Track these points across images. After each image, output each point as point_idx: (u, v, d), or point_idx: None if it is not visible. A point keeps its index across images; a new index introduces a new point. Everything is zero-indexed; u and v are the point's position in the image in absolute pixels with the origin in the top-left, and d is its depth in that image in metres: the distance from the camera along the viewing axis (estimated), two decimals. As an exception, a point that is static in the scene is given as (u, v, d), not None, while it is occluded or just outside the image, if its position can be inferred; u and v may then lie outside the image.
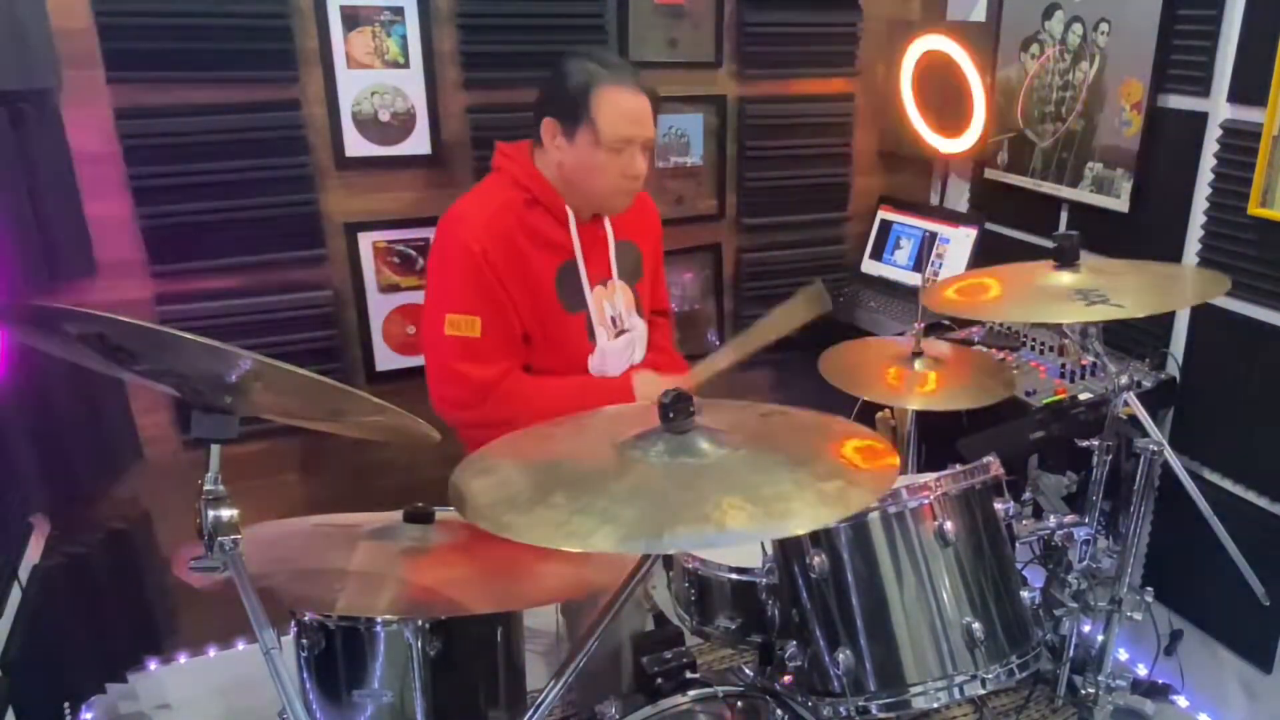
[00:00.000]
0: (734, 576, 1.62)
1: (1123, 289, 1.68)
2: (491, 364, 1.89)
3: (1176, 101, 2.14)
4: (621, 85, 1.86)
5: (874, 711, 1.38)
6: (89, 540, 2.08)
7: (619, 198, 1.96)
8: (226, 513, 1.06)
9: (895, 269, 2.83)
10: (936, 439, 2.27)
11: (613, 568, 1.37)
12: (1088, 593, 1.84)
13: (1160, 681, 2.26)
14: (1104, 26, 2.26)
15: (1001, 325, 2.44)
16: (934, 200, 2.96)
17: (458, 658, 1.38)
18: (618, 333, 2.04)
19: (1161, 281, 1.82)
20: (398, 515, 1.42)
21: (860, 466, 1.17)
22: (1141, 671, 2.31)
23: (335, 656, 1.38)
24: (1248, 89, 1.97)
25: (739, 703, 1.48)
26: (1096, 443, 1.87)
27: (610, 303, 2.02)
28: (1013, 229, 2.66)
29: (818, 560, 1.38)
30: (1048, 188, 2.48)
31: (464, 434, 1.91)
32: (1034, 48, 2.47)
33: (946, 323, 2.43)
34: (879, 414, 2.20)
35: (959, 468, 1.46)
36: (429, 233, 2.31)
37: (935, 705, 1.44)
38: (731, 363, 2.01)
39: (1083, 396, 2.07)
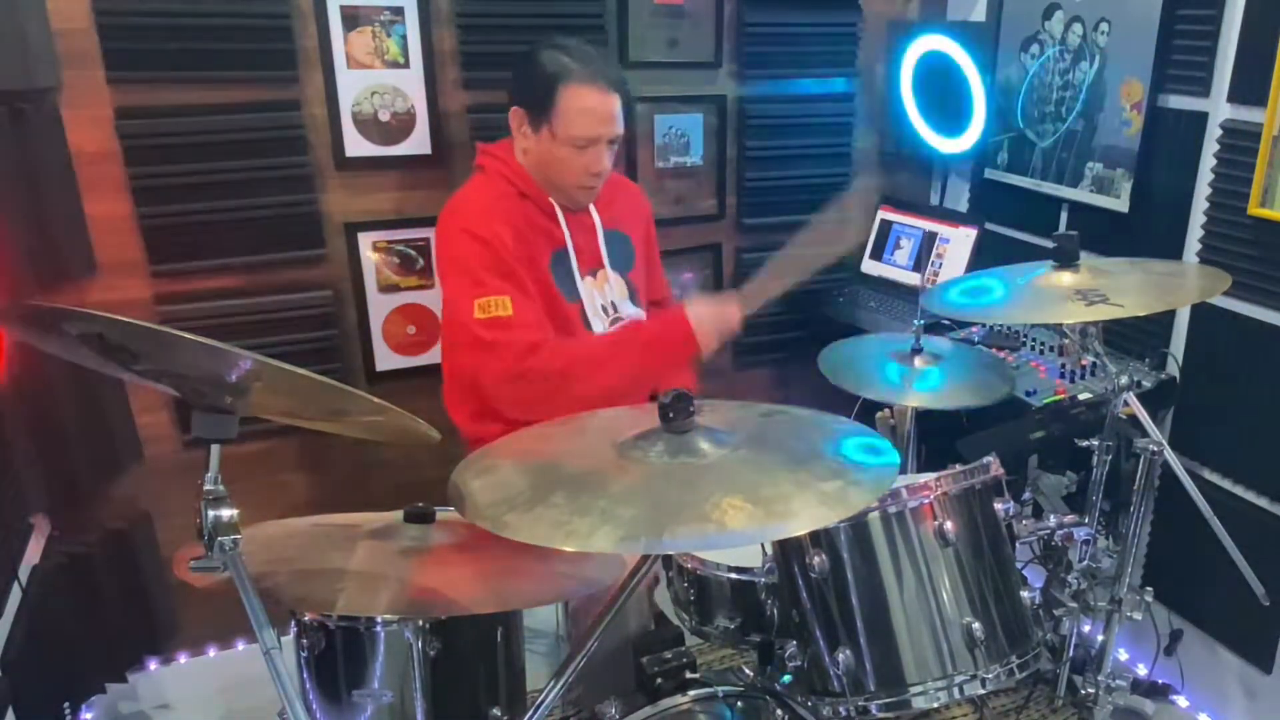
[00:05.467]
0: (734, 576, 1.62)
1: (1122, 289, 1.68)
2: (531, 329, 1.86)
3: (1176, 101, 2.14)
4: (590, 83, 1.85)
5: (874, 711, 1.38)
6: (89, 540, 2.08)
7: (581, 192, 1.97)
8: (226, 513, 1.06)
9: (895, 269, 2.83)
10: (936, 439, 2.27)
11: (612, 566, 1.37)
12: (1088, 593, 1.84)
13: (1160, 681, 2.26)
14: (1104, 26, 2.26)
15: (1001, 325, 2.44)
16: (934, 200, 2.96)
17: (458, 658, 1.38)
18: (612, 321, 2.04)
19: (1161, 280, 1.82)
20: (398, 515, 1.42)
21: (860, 466, 1.17)
22: (1141, 671, 2.31)
23: (335, 656, 1.38)
24: (1248, 89, 1.97)
25: (739, 703, 1.48)
26: (1096, 443, 1.87)
27: (600, 292, 2.02)
28: (1013, 229, 2.66)
29: (818, 560, 1.38)
30: (1048, 188, 2.48)
31: (518, 411, 1.78)
32: (1034, 48, 2.47)
33: (946, 322, 2.43)
34: (879, 413, 2.20)
35: (959, 468, 1.46)
36: (429, 233, 2.31)
37: (935, 705, 1.43)
38: (782, 287, 1.95)
39: (1083, 396, 2.07)
